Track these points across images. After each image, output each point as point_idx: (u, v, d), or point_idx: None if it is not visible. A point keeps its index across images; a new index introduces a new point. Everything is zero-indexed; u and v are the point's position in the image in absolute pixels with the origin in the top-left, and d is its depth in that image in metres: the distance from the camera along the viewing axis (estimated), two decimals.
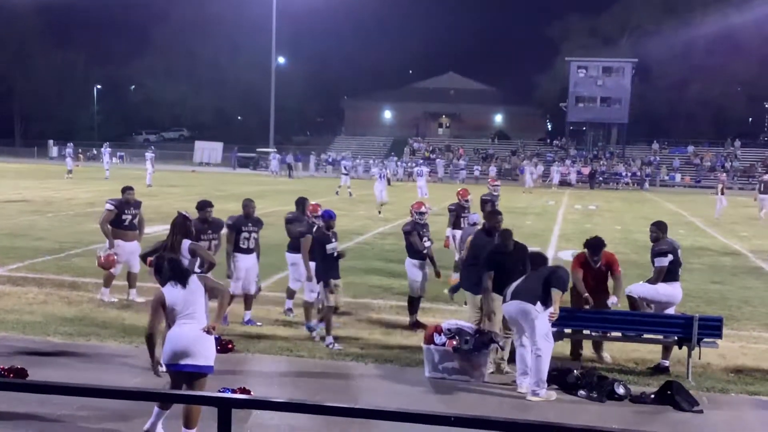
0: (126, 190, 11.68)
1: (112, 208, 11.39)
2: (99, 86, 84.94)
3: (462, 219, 13.63)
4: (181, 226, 7.90)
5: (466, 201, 13.98)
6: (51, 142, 69.51)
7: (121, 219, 11.41)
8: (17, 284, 12.13)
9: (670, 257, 9.10)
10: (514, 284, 8.14)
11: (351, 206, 28.82)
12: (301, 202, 11.13)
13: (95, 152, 69.64)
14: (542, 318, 7.92)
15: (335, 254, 9.61)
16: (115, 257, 11.05)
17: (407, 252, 10.93)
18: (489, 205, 12.68)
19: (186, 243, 7.83)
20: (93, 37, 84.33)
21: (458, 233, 13.22)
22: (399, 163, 58.12)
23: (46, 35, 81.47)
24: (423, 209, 11.06)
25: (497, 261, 8.71)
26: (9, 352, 8.49)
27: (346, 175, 37.44)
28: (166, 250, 7.87)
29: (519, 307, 7.97)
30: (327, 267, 9.57)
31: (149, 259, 7.43)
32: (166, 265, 6.23)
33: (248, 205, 10.31)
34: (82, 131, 78.76)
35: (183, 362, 6.02)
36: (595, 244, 9.30)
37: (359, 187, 39.81)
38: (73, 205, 25.28)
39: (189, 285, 6.17)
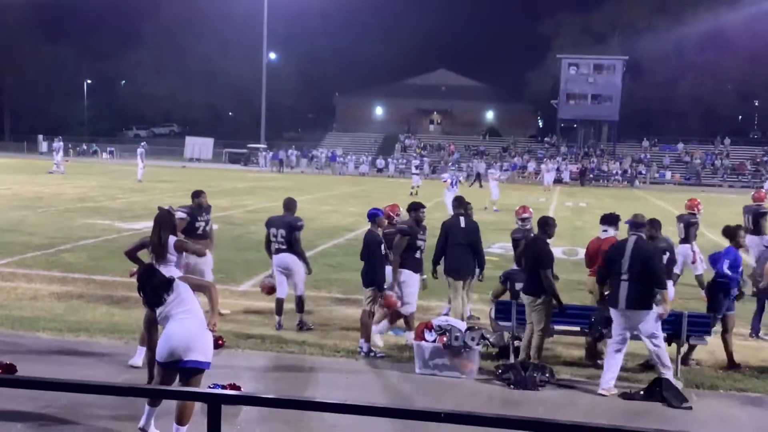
0: (198, 194, 10.64)
1: (184, 215, 10.18)
2: (89, 81, 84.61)
3: (694, 229, 12.52)
4: (166, 221, 7.75)
5: (699, 211, 12.94)
6: (41, 137, 69.21)
7: (194, 227, 10.30)
8: (7, 279, 12.07)
9: (668, 255, 9.15)
10: (625, 291, 7.97)
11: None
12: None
13: (84, 147, 69.41)
14: (652, 317, 7.99)
15: (387, 255, 9.31)
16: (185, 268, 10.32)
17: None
18: (751, 217, 12.19)
19: (171, 239, 7.69)
20: (83, 32, 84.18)
21: (685, 247, 12.57)
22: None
23: (37, 29, 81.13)
24: (526, 215, 10.75)
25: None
26: None
27: (417, 174, 38.29)
28: (152, 246, 7.74)
29: (637, 317, 7.97)
30: (382, 270, 9.15)
31: (132, 270, 7.26)
32: (147, 290, 6.16)
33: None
34: (72, 126, 78.48)
35: (185, 358, 5.92)
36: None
37: (350, 183, 39.81)
38: (62, 201, 25.17)
39: (174, 291, 6.13)
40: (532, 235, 9.86)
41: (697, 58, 69.64)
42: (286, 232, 9.92)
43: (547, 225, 8.89)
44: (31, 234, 17.07)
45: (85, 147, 69.46)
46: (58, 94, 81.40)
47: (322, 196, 31.87)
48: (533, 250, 8.68)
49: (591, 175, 55.39)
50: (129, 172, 39.54)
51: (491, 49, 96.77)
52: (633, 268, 7.93)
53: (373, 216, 9.39)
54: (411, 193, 34.06)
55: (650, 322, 7.97)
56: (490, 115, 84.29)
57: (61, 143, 42.92)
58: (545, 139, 70.55)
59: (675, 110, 73.05)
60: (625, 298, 7.94)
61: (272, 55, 72.00)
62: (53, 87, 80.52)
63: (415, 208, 9.79)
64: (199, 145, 68.95)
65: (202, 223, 10.49)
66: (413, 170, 39.86)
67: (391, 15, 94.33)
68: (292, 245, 9.97)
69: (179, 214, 10.24)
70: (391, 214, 9.94)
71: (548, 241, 8.82)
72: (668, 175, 59.41)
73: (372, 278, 9.11)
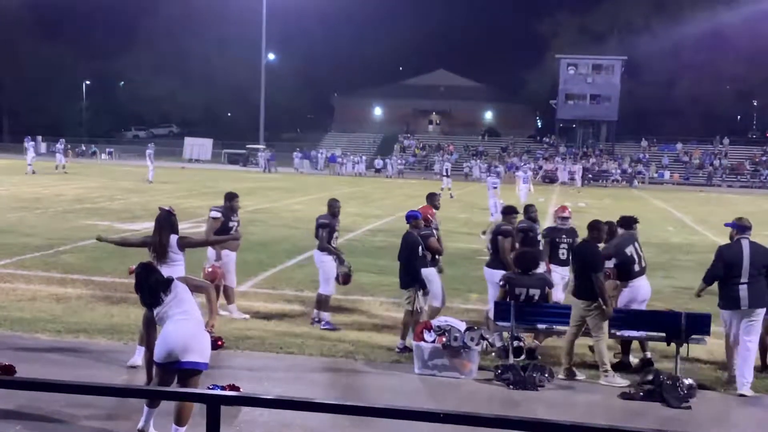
0: (232, 197, 10.74)
1: (218, 215, 10.40)
2: (88, 82, 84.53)
3: None
4: (166, 222, 7.79)
5: None
6: (39, 138, 69.15)
7: (228, 227, 10.44)
8: (5, 281, 12.05)
9: (614, 261, 9.12)
10: (746, 293, 8.14)
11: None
12: (526, 210, 11.10)
13: (83, 148, 69.36)
14: (763, 315, 8.26)
15: (424, 255, 9.49)
16: (220, 269, 10.15)
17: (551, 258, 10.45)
18: None
19: (174, 238, 7.71)
20: (82, 32, 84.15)
21: None
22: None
23: (35, 29, 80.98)
24: (566, 213, 10.73)
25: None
26: None
27: (447, 177, 39.28)
28: (153, 246, 7.75)
29: (754, 315, 8.19)
30: (420, 271, 9.35)
31: (131, 267, 7.25)
32: (144, 288, 6.16)
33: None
34: (71, 127, 78.39)
35: (182, 359, 5.91)
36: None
37: (349, 183, 39.74)
38: (61, 202, 25.15)
39: (172, 291, 6.13)
40: (576, 238, 9.88)
41: (695, 57, 69.69)
42: (315, 229, 10.56)
43: (597, 229, 8.85)
44: (29, 235, 17.05)
45: (84, 148, 69.42)
46: (57, 95, 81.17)
47: (322, 196, 31.81)
48: (583, 255, 8.62)
49: (590, 175, 55.38)
50: (128, 172, 39.50)
51: (490, 50, 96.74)
52: (754, 269, 8.15)
53: (411, 218, 9.58)
54: (450, 196, 34.26)
55: (761, 319, 8.24)
56: (488, 115, 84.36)
57: (32, 142, 42.73)
58: (544, 139, 70.58)
59: (673, 110, 73.13)
60: (748, 298, 8.14)
61: (271, 56, 72.00)
62: (52, 87, 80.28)
63: (515, 211, 10.44)
64: (198, 146, 68.90)
65: (235, 224, 10.71)
66: (442, 173, 41.44)
67: (389, 15, 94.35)
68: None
69: (213, 213, 10.53)
70: (429, 217, 10.04)
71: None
72: (667, 174, 59.45)
73: (414, 278, 9.23)
